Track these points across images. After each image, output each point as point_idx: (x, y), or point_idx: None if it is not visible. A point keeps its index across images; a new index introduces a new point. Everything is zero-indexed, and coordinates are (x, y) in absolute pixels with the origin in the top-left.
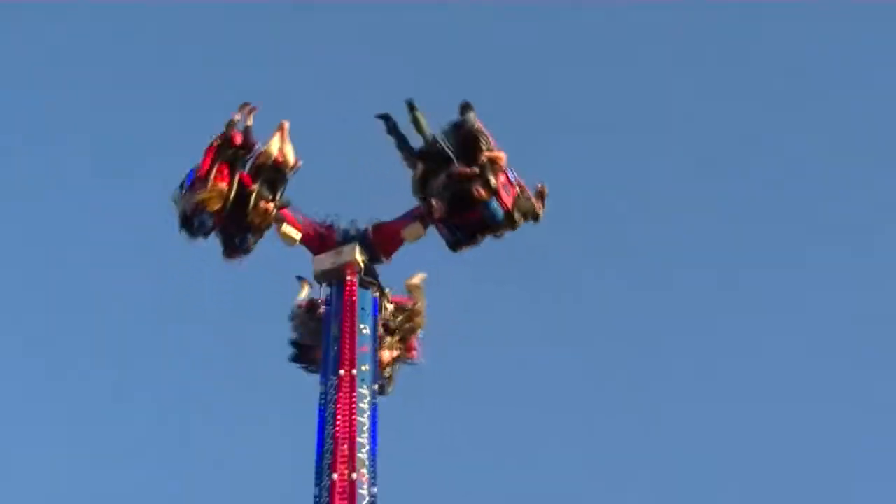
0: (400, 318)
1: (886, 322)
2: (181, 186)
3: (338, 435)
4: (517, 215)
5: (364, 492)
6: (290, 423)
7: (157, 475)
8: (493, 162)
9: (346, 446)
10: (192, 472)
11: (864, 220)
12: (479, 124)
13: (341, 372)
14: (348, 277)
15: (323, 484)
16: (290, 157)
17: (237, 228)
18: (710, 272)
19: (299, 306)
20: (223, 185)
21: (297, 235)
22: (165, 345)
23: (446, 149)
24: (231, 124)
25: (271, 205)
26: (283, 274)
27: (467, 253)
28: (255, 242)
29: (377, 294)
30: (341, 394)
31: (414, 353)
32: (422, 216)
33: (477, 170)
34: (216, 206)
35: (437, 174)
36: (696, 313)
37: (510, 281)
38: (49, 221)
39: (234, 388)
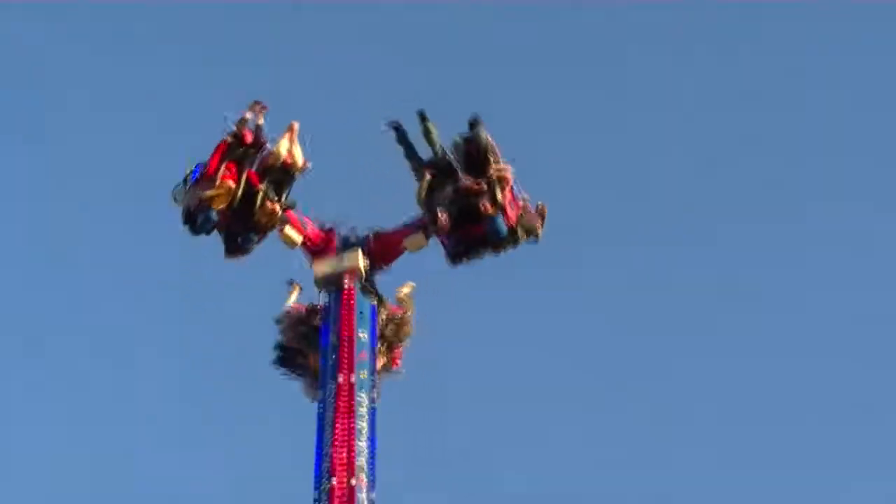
0: (390, 327)
1: None
2: (184, 182)
3: (336, 440)
4: (520, 232)
5: (363, 496)
6: (289, 428)
7: (157, 478)
8: (500, 178)
9: (344, 451)
10: (191, 476)
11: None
12: (489, 140)
13: (340, 378)
14: (346, 283)
15: (322, 489)
16: (299, 159)
17: (242, 227)
18: (710, 270)
19: (294, 310)
20: (231, 183)
21: (299, 238)
22: (165, 347)
23: (454, 162)
24: (242, 122)
25: (277, 205)
26: (284, 275)
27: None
28: (258, 242)
29: (375, 301)
30: (340, 400)
31: (397, 362)
32: (424, 226)
33: (485, 185)
34: (222, 203)
35: (443, 186)
36: (696, 313)
37: (507, 288)
38: (49, 221)
39: (234, 392)
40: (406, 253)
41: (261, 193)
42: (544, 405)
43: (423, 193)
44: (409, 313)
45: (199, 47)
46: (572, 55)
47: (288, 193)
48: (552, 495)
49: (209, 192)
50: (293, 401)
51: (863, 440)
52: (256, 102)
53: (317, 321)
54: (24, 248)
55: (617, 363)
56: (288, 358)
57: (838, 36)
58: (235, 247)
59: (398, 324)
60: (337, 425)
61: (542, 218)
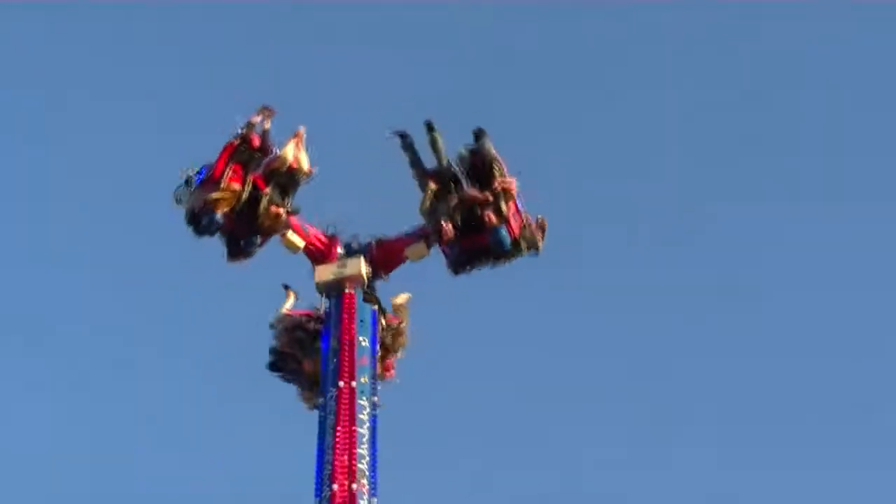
0: (389, 336)
1: None
2: (187, 183)
3: (338, 446)
4: (523, 244)
5: (364, 502)
6: (290, 431)
7: (157, 478)
8: (505, 190)
9: (345, 457)
10: (192, 481)
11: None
12: (494, 152)
13: (341, 384)
14: (347, 289)
15: (323, 495)
16: (305, 164)
17: (246, 230)
18: (710, 270)
19: (289, 315)
20: (237, 186)
21: (301, 244)
22: (166, 348)
23: (459, 173)
24: (250, 126)
25: (282, 210)
26: (286, 279)
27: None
28: (261, 246)
29: (376, 307)
30: (341, 405)
31: (390, 372)
32: (426, 236)
33: (490, 196)
34: (226, 206)
35: (447, 197)
36: (696, 313)
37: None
38: (49, 221)
39: (235, 395)
40: (406, 262)
41: (266, 197)
42: (544, 405)
43: (427, 203)
44: (404, 323)
45: (199, 47)
46: (572, 55)
47: (292, 199)
48: (552, 495)
49: (214, 195)
50: (294, 404)
51: (863, 440)
52: (265, 107)
53: (311, 326)
54: (24, 248)
55: (617, 363)
56: (281, 363)
57: (838, 36)
58: (238, 250)
59: (395, 333)
60: (338, 430)
61: (543, 231)
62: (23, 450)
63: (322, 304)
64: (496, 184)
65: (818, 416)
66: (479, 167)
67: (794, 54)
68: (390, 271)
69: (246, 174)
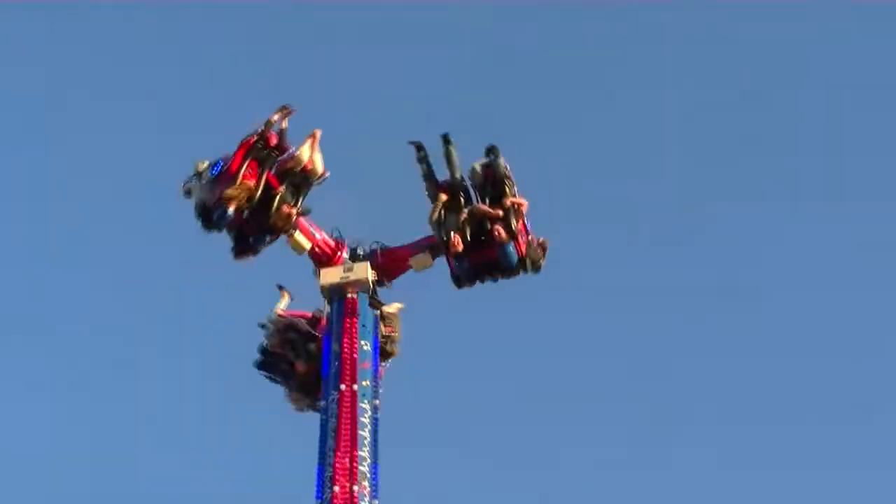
0: (387, 344)
1: None
2: (198, 176)
3: (339, 448)
4: (528, 263)
5: None
6: (290, 432)
7: (157, 481)
8: (517, 208)
9: (346, 459)
10: (192, 481)
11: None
12: (506, 169)
13: (342, 387)
14: (351, 294)
15: (325, 497)
16: (319, 166)
17: (257, 228)
18: (710, 270)
19: (282, 316)
20: (252, 183)
21: (308, 245)
22: (166, 348)
23: (470, 187)
24: (269, 124)
25: (294, 210)
26: (288, 279)
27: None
28: (269, 243)
29: (378, 313)
30: (342, 408)
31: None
32: (432, 246)
33: (501, 212)
34: (238, 202)
35: (456, 209)
36: (696, 313)
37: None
38: (49, 221)
39: (235, 395)
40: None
41: (278, 196)
42: (544, 405)
43: (436, 215)
44: (396, 333)
45: (200, 47)
46: (572, 55)
47: (304, 200)
48: (552, 495)
49: (229, 191)
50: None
51: (863, 440)
52: (284, 106)
53: (304, 327)
54: (24, 248)
55: (617, 363)
56: (270, 363)
57: (838, 36)
58: (246, 247)
59: (386, 341)
60: (339, 433)
61: (544, 251)
62: (23, 450)
63: (325, 306)
64: (508, 201)
65: (818, 416)
66: (492, 183)
67: (794, 54)
68: (393, 279)
69: (261, 172)
